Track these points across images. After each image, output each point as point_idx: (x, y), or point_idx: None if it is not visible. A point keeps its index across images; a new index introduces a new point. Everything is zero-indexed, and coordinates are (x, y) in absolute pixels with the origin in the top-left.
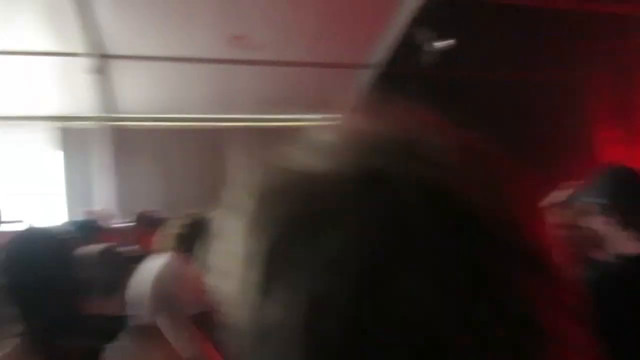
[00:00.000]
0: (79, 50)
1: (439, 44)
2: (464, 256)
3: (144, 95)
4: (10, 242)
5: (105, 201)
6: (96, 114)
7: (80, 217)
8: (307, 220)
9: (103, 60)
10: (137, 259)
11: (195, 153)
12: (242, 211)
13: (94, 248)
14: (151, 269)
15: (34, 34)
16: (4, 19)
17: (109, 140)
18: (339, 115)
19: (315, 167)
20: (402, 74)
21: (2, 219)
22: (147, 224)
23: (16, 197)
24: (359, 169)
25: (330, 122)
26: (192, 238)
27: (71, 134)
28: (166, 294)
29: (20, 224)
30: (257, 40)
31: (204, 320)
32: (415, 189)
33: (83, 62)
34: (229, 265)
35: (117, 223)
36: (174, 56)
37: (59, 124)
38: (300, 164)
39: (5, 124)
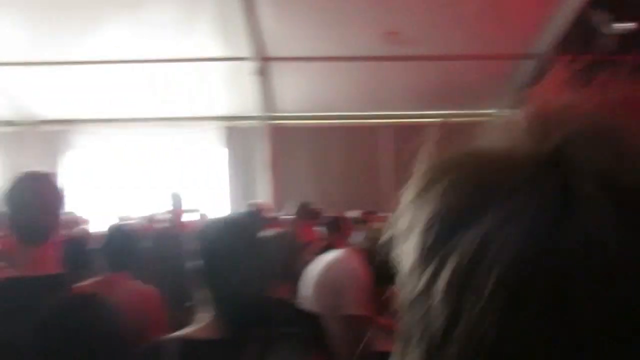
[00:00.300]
0: (244, 54)
1: (618, 27)
2: None
3: (301, 95)
4: (204, 228)
5: (265, 195)
6: (258, 114)
7: (242, 209)
8: (469, 196)
9: (265, 62)
10: (303, 247)
11: (350, 149)
12: (412, 184)
13: (269, 232)
14: (323, 262)
15: (206, 42)
16: (182, 31)
17: (269, 138)
18: (501, 110)
19: (490, 143)
20: (575, 62)
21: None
22: (307, 217)
23: (188, 190)
24: (536, 149)
25: (490, 117)
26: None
27: (235, 133)
28: (329, 288)
29: (196, 213)
30: (411, 35)
31: (362, 322)
32: (593, 181)
33: (247, 66)
34: (399, 235)
35: (278, 215)
36: (329, 56)
37: (224, 123)
38: (475, 141)
39: (179, 124)
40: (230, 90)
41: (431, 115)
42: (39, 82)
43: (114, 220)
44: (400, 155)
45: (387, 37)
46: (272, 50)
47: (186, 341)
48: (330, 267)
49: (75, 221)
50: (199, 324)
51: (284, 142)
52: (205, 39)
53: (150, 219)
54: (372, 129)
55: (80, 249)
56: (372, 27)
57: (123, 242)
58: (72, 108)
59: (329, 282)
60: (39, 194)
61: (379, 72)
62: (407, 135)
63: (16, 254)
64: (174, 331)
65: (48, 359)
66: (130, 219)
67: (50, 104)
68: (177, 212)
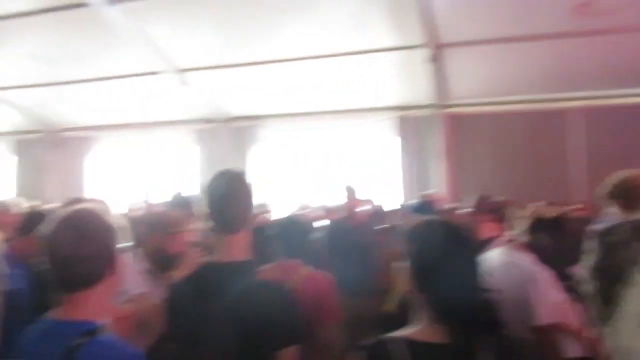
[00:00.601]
0: (417, 42)
1: None
2: None
3: (477, 80)
4: (414, 227)
5: (440, 185)
6: (432, 102)
7: (415, 200)
8: None
9: (438, 49)
10: (483, 245)
11: (534, 135)
12: (596, 248)
13: None
14: (497, 265)
15: (379, 32)
16: (357, 24)
17: (444, 126)
18: None
19: None
20: None
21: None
22: (485, 209)
23: (363, 180)
24: None
25: None
26: (537, 234)
27: (409, 122)
28: (510, 298)
29: (370, 203)
30: (605, 5)
31: (553, 330)
32: None
33: (420, 54)
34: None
35: (452, 207)
36: (509, 36)
37: (399, 112)
38: None
39: (355, 116)
40: (404, 79)
41: (627, 95)
42: (230, 83)
43: (294, 210)
44: (591, 139)
45: (578, 10)
46: (446, 35)
47: (413, 342)
48: (507, 273)
49: (260, 210)
50: (417, 325)
51: (460, 130)
52: (378, 29)
53: (327, 209)
54: (558, 112)
55: (260, 236)
56: (558, 0)
57: (298, 231)
58: (258, 105)
59: (509, 291)
60: (232, 190)
61: (566, 49)
62: (598, 118)
63: (213, 241)
64: (346, 317)
65: (237, 338)
66: (308, 209)
67: (239, 101)
68: (351, 202)
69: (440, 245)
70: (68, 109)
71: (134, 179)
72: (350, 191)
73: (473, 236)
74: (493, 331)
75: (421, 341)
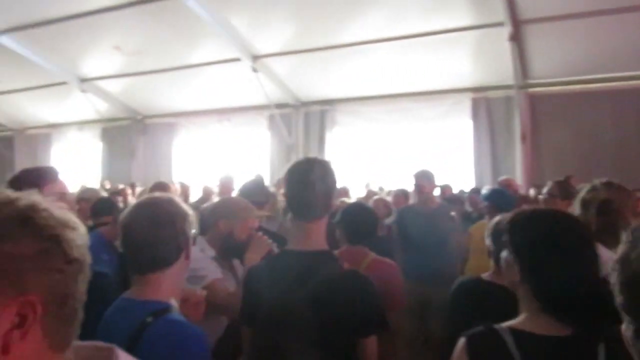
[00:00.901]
0: (497, 20)
1: None
2: None
3: (558, 58)
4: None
5: (515, 168)
6: (511, 82)
7: (489, 185)
8: None
9: (518, 26)
10: None
11: (623, 116)
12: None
13: None
14: None
15: (456, 11)
16: (433, 4)
17: (524, 107)
18: None
19: None
20: None
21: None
22: (562, 194)
23: (436, 163)
24: None
25: None
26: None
27: (483, 103)
28: None
29: (443, 187)
30: None
31: None
32: None
33: (499, 32)
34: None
35: (531, 194)
36: (595, 10)
37: (473, 93)
38: None
39: (428, 98)
40: (482, 60)
41: None
42: (305, 68)
43: (363, 194)
44: None
45: None
46: (527, 11)
47: (517, 332)
48: None
49: (338, 195)
50: (522, 315)
51: (540, 111)
52: (455, 8)
53: (399, 194)
54: None
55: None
56: None
57: (363, 217)
58: (332, 89)
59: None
60: (314, 180)
61: None
62: None
63: (292, 229)
64: (416, 304)
65: (323, 325)
66: (379, 194)
67: (314, 86)
68: (424, 187)
69: (548, 234)
70: (153, 97)
71: (213, 163)
72: (424, 176)
73: (583, 224)
74: (607, 324)
75: (527, 332)
